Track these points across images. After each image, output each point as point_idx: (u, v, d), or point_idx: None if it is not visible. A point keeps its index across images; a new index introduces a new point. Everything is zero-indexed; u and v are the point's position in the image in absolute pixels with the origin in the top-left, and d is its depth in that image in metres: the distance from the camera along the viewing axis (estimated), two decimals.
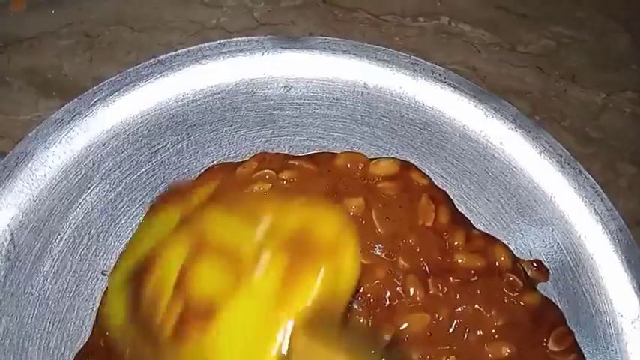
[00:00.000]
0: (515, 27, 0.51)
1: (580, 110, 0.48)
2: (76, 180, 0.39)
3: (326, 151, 0.41)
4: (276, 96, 0.43)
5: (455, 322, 0.36)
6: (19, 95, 0.48)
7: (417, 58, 0.44)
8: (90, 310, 0.38)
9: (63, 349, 0.37)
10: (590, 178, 0.41)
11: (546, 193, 0.41)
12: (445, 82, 0.43)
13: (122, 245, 0.39)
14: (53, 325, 0.37)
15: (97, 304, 0.38)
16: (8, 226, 0.37)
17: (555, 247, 0.40)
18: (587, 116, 0.48)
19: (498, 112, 0.42)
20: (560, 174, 0.41)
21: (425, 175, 0.40)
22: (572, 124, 0.47)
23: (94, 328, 0.37)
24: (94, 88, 0.41)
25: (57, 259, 0.38)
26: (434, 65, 0.44)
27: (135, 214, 0.40)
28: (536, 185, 0.41)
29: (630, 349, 0.38)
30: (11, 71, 0.50)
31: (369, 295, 0.36)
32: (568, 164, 0.41)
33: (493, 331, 0.36)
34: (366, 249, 0.37)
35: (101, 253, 0.39)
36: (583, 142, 0.47)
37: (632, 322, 0.39)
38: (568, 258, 0.40)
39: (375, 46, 0.44)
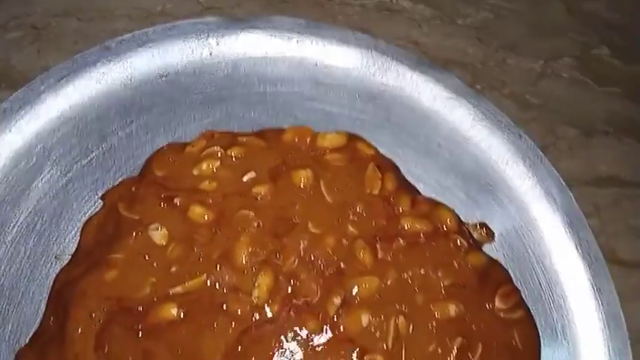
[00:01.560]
0: (454, 1, 0.52)
1: (519, 78, 0.49)
2: (27, 168, 0.40)
3: (274, 127, 0.43)
4: (223, 77, 0.44)
5: (403, 283, 0.37)
6: None
7: (361, 34, 0.45)
8: (44, 295, 0.38)
9: (19, 333, 0.37)
10: (530, 141, 0.43)
11: (489, 159, 0.43)
12: (389, 55, 0.45)
13: (75, 229, 0.40)
14: (8, 311, 0.37)
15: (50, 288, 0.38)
16: None
17: (500, 211, 0.42)
18: (527, 83, 0.49)
19: (440, 82, 0.44)
20: (501, 139, 0.43)
21: (371, 146, 0.41)
22: (512, 91, 0.49)
23: (46, 311, 0.37)
24: (42, 75, 0.42)
25: (10, 246, 0.38)
26: (378, 40, 0.45)
27: (87, 197, 0.40)
28: (480, 151, 0.43)
29: (572, 306, 0.40)
30: None
31: (319, 261, 0.37)
32: (509, 129, 0.43)
33: (441, 291, 0.37)
34: (315, 218, 0.38)
35: (54, 238, 0.39)
36: (523, 108, 0.48)
37: (573, 279, 0.41)
38: (512, 220, 0.42)
39: (321, 24, 0.45)
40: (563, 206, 0.41)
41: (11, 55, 0.48)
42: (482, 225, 0.41)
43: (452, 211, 0.40)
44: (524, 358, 0.37)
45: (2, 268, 0.38)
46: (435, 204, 0.40)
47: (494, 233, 0.41)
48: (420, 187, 0.42)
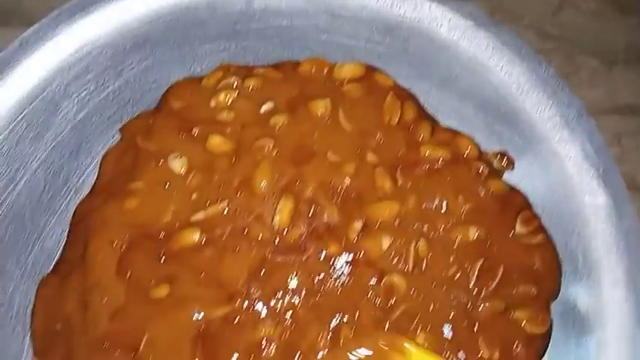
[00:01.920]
0: None
1: (538, 9, 0.48)
2: (44, 103, 0.39)
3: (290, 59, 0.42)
4: (237, 11, 0.43)
5: (423, 208, 0.37)
6: None
7: None
8: (65, 227, 0.39)
9: (41, 265, 0.38)
10: (551, 69, 0.42)
11: (509, 88, 0.42)
12: None
13: (94, 163, 0.40)
14: (30, 243, 0.38)
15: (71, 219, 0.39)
16: None
17: (520, 140, 0.42)
18: (546, 14, 0.48)
19: (459, 12, 0.43)
20: (520, 67, 0.42)
21: (389, 77, 0.41)
22: (532, 22, 0.48)
23: (67, 241, 0.38)
24: (55, 12, 0.41)
25: (30, 180, 0.38)
26: None
27: (105, 131, 0.40)
28: (500, 80, 0.42)
29: (593, 232, 0.39)
30: None
31: (339, 188, 0.37)
32: (529, 57, 0.42)
33: (461, 216, 0.37)
34: (334, 147, 0.38)
35: (74, 172, 0.39)
36: (543, 38, 0.47)
37: (594, 206, 0.40)
38: (532, 149, 0.42)
39: None
40: (585, 134, 0.41)
41: None
42: (502, 154, 0.41)
43: (472, 139, 0.40)
44: (545, 281, 0.37)
45: (23, 201, 0.38)
46: (454, 132, 0.40)
47: (513, 162, 0.41)
48: (438, 117, 0.41)
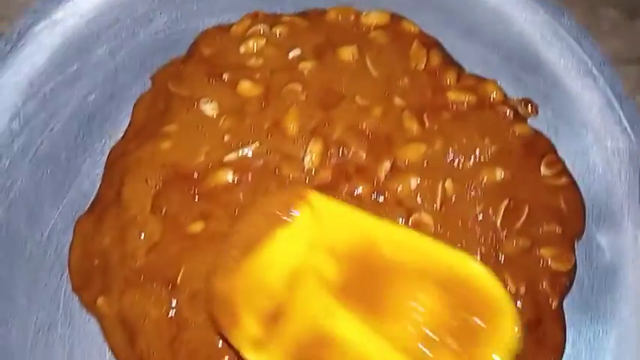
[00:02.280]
0: None
1: None
2: (78, 50, 0.41)
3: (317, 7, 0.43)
4: None
5: (450, 150, 0.38)
6: None
7: None
8: (100, 170, 0.39)
9: (77, 206, 0.38)
10: (573, 19, 0.42)
11: (533, 37, 0.42)
12: None
13: (127, 109, 0.40)
14: (66, 184, 0.39)
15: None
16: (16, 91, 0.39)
17: (544, 88, 0.42)
18: None
19: None
20: (544, 17, 0.42)
21: (415, 24, 0.41)
22: None
23: (102, 182, 0.38)
24: None
25: (66, 124, 0.39)
26: None
27: (137, 78, 0.41)
28: (524, 29, 0.43)
29: (615, 176, 0.40)
30: None
31: (368, 131, 0.38)
32: (552, 8, 0.43)
33: (487, 157, 0.38)
34: (362, 91, 0.39)
35: (107, 117, 0.40)
36: None
37: (618, 151, 0.41)
38: (555, 96, 0.42)
39: None
40: (607, 81, 0.41)
41: None
42: (527, 100, 0.41)
43: (497, 84, 0.40)
44: (569, 221, 0.38)
45: (59, 144, 0.39)
46: (480, 78, 0.40)
47: (537, 108, 0.41)
48: (464, 66, 0.42)
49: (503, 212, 0.37)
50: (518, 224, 0.37)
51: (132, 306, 0.34)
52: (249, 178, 0.36)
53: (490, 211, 0.36)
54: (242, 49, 0.40)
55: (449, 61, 0.41)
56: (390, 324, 0.28)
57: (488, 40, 0.43)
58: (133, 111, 0.40)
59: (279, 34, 0.40)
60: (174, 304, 0.34)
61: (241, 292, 0.31)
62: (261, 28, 0.40)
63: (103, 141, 0.40)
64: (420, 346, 0.28)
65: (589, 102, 0.41)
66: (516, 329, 0.29)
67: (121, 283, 0.35)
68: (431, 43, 0.41)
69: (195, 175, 0.36)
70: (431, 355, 0.27)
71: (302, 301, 0.30)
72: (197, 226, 0.35)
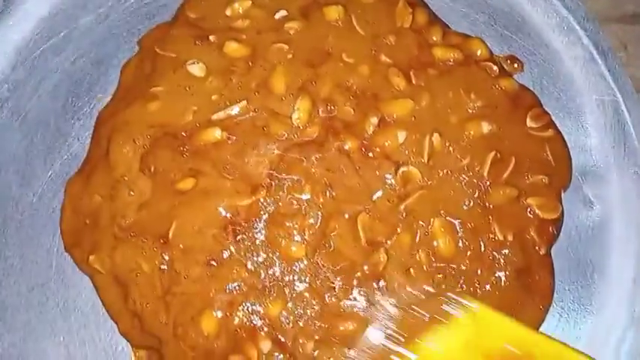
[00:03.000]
0: None
1: None
2: (66, 15, 0.41)
3: None
4: None
5: (437, 105, 0.38)
6: None
7: None
8: (88, 132, 0.39)
9: (68, 168, 0.39)
10: None
11: None
12: None
13: (115, 73, 0.40)
14: (56, 146, 0.39)
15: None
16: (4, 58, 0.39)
17: (529, 45, 0.42)
18: None
19: None
20: None
21: None
22: None
23: (91, 143, 0.39)
24: None
25: (55, 89, 0.40)
26: None
27: (124, 43, 0.41)
28: None
29: (599, 128, 0.41)
30: None
31: (355, 88, 0.38)
32: None
33: (474, 112, 0.38)
34: (348, 49, 0.39)
35: (95, 81, 0.40)
36: None
37: (598, 98, 0.41)
38: (541, 53, 0.43)
39: None
40: (591, 38, 0.42)
41: None
42: (512, 57, 0.42)
43: (483, 42, 0.40)
44: (556, 172, 0.38)
45: (48, 108, 0.39)
46: (465, 36, 0.41)
47: (523, 64, 0.42)
48: (450, 25, 0.42)
49: (490, 164, 0.37)
50: (505, 175, 0.37)
51: (123, 261, 0.35)
52: (238, 136, 0.36)
53: (477, 162, 0.37)
54: (228, 12, 0.40)
55: (434, 20, 0.41)
56: None
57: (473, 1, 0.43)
58: (120, 74, 0.40)
59: None
60: (166, 258, 0.34)
61: None
62: None
63: (92, 104, 0.40)
64: None
65: (573, 58, 0.42)
66: None
67: (112, 240, 0.35)
68: (416, 2, 0.41)
69: (184, 134, 0.36)
70: None
71: None
72: (187, 183, 0.35)
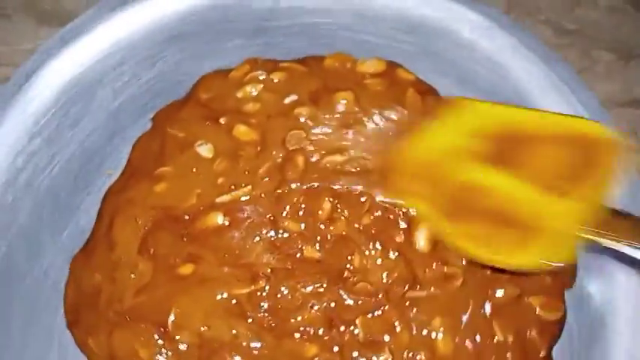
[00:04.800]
0: None
1: (555, 4, 0.50)
2: (82, 92, 0.42)
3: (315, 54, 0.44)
4: (266, 8, 0.45)
5: None
6: (20, 26, 0.51)
7: None
8: (96, 207, 0.40)
9: (75, 243, 0.40)
10: (571, 69, 0.43)
11: (528, 87, 0.42)
12: None
13: (127, 148, 0.42)
14: (64, 221, 0.40)
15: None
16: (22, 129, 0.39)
17: None
18: (563, 9, 0.49)
19: (480, 13, 0.44)
20: (539, 67, 0.42)
21: (411, 72, 0.42)
22: (548, 17, 0.49)
23: (96, 220, 0.39)
24: (95, 7, 0.43)
25: (67, 163, 0.40)
26: None
27: (138, 119, 0.42)
28: (519, 80, 0.43)
29: None
30: (10, 4, 0.52)
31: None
32: (548, 58, 0.43)
33: None
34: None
35: (108, 156, 0.42)
36: (559, 34, 0.49)
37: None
38: None
39: None
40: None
41: None
42: None
43: None
44: (560, 270, 0.37)
45: (60, 182, 0.40)
46: None
47: None
48: None
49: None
50: (507, 274, 0.37)
51: (121, 345, 0.35)
52: (241, 223, 0.37)
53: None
54: (239, 94, 0.40)
55: None
56: (523, 171, 0.34)
57: (484, 89, 0.43)
58: (131, 151, 0.41)
59: (277, 80, 0.41)
60: (164, 349, 0.34)
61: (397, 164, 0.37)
62: (260, 73, 0.41)
63: (103, 179, 0.41)
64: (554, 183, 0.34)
65: None
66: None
67: (106, 324, 0.35)
68: (426, 90, 0.42)
69: (186, 217, 0.37)
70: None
71: (453, 165, 0.36)
72: (187, 269, 0.36)
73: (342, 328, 0.35)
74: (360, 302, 0.35)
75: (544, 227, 0.33)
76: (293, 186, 0.37)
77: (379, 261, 0.36)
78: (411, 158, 0.37)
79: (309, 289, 0.35)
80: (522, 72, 0.43)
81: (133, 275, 0.36)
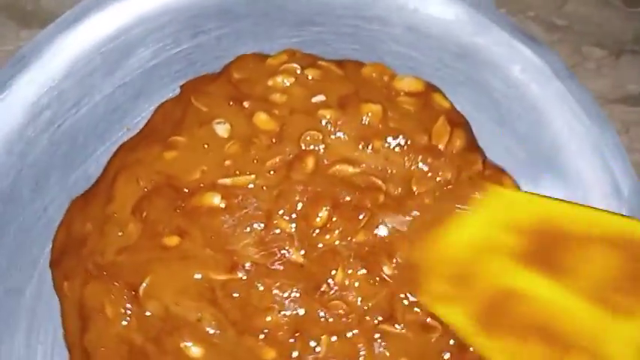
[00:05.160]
0: None
1: (545, 0, 0.48)
2: (124, 44, 0.42)
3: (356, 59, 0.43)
4: (320, 2, 0.44)
5: None
6: (1, 28, 0.50)
7: None
8: (107, 158, 0.41)
9: (79, 186, 0.40)
10: (616, 136, 0.40)
11: (567, 143, 0.40)
12: (491, 18, 0.42)
13: (151, 109, 0.42)
14: (76, 163, 0.41)
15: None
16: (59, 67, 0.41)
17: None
18: (553, 6, 0.48)
19: (539, 56, 0.40)
20: (584, 127, 0.39)
21: (448, 99, 0.40)
22: (538, 14, 0.48)
23: (104, 170, 0.40)
24: None
25: (92, 109, 0.41)
26: None
27: (168, 83, 0.42)
28: (559, 134, 0.40)
29: None
30: None
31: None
32: (596, 118, 0.39)
33: None
34: None
35: (131, 112, 0.42)
36: (549, 30, 0.48)
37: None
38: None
39: None
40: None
41: None
42: None
43: (514, 181, 0.39)
44: None
45: (79, 126, 0.41)
46: (500, 171, 0.39)
47: None
48: (487, 153, 0.41)
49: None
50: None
51: (91, 296, 0.35)
52: (236, 209, 0.36)
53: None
54: (270, 82, 0.40)
55: (472, 146, 0.40)
56: (569, 278, 0.30)
57: (520, 133, 0.40)
58: (153, 113, 0.41)
59: (311, 77, 0.40)
60: (130, 311, 0.35)
61: (427, 261, 0.34)
62: (295, 66, 0.41)
63: (121, 133, 0.41)
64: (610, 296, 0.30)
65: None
66: None
67: (84, 274, 0.36)
68: (458, 123, 0.40)
69: (186, 190, 0.37)
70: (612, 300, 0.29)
71: (487, 265, 0.33)
72: (172, 240, 0.36)
73: (306, 342, 0.34)
74: (330, 320, 0.35)
75: (598, 352, 0.29)
76: (296, 186, 0.37)
77: (361, 284, 0.36)
78: (442, 255, 0.34)
79: (284, 293, 0.35)
80: (564, 126, 0.41)
81: (120, 233, 0.36)
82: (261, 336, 0.34)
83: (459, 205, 0.34)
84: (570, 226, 0.31)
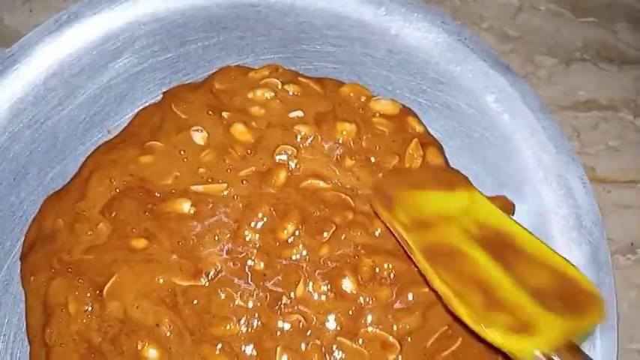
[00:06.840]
0: None
1: (498, 12, 0.50)
2: (112, 48, 0.44)
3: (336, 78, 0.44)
4: (305, 22, 0.45)
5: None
6: None
7: (450, 19, 0.45)
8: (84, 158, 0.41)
9: (57, 185, 0.41)
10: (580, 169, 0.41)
11: (536, 174, 0.41)
12: (472, 47, 0.43)
13: (133, 113, 0.43)
14: (54, 162, 0.41)
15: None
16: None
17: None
18: (506, 17, 0.50)
19: (517, 90, 0.42)
20: (556, 161, 0.41)
21: (422, 124, 0.41)
22: (492, 25, 0.50)
23: (79, 169, 0.40)
24: None
25: (74, 110, 0.42)
26: (464, 29, 0.44)
27: (152, 89, 0.43)
28: (530, 164, 0.41)
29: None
30: None
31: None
32: (566, 152, 0.41)
33: None
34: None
35: (113, 115, 0.43)
36: (502, 40, 0.50)
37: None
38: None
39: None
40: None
41: (4, 14, 0.51)
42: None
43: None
44: None
45: (61, 125, 0.42)
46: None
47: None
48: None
49: (437, 335, 0.36)
50: (447, 352, 0.36)
51: (55, 292, 0.36)
52: (204, 216, 0.37)
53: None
54: (250, 95, 0.41)
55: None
56: (512, 271, 0.34)
57: (489, 160, 0.42)
58: (134, 117, 0.42)
59: (292, 92, 0.41)
60: (92, 309, 0.35)
61: (400, 200, 0.38)
62: (276, 81, 0.41)
63: (101, 134, 0.42)
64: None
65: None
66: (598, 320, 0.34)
67: (50, 270, 0.36)
68: (430, 144, 0.40)
69: (157, 195, 0.38)
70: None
71: (446, 227, 0.37)
72: (140, 242, 0.36)
73: (260, 354, 0.34)
74: (287, 332, 0.35)
75: (523, 320, 0.32)
76: (267, 198, 0.38)
77: (322, 298, 0.36)
78: (410, 200, 0.38)
79: (245, 303, 0.35)
80: (532, 157, 0.41)
81: (90, 232, 0.37)
82: (219, 345, 0.35)
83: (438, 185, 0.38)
84: (521, 244, 0.36)
